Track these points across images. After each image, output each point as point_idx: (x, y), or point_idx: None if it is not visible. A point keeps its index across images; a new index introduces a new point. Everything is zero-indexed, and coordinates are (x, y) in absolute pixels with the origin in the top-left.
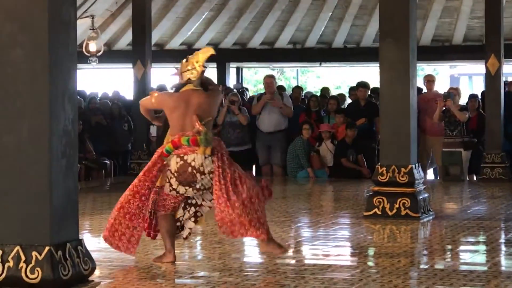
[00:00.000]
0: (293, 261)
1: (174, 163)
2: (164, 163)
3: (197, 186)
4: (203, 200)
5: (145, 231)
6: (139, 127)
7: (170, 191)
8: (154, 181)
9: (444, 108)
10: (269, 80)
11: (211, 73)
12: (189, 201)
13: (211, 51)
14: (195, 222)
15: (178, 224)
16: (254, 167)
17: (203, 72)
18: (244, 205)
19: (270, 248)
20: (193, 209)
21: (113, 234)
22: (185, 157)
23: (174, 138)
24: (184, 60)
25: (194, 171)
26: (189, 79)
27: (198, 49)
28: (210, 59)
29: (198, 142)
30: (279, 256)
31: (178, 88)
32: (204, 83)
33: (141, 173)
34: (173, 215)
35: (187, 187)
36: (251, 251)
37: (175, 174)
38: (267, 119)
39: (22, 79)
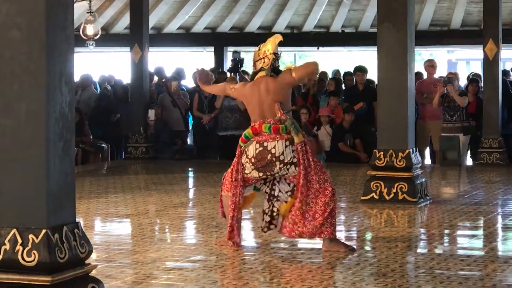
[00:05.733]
0: (290, 245)
1: (253, 149)
2: (242, 149)
3: (272, 173)
4: (279, 191)
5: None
6: (136, 111)
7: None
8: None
9: (443, 92)
10: None
11: (209, 57)
12: (272, 192)
13: (279, 38)
14: (271, 216)
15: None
16: None
17: (274, 59)
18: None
19: (335, 247)
20: (276, 203)
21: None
22: (265, 144)
23: (255, 124)
24: (257, 49)
25: (274, 159)
26: (262, 67)
27: (195, 33)
28: (207, 43)
29: (281, 131)
30: (345, 253)
31: (252, 77)
32: (276, 70)
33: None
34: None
35: (261, 174)
36: (248, 235)
37: (252, 159)
38: None
39: (19, 61)
